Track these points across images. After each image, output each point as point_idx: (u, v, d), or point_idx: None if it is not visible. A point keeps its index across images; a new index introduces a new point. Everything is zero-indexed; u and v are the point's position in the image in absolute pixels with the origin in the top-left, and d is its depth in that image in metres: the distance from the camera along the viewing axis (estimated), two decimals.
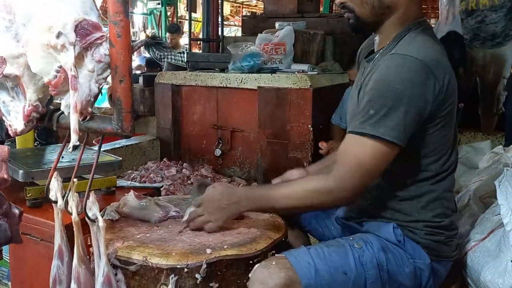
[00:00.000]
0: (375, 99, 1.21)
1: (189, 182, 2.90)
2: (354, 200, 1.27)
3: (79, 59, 1.04)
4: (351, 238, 1.32)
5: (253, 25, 4.40)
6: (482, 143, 3.05)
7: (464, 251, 1.46)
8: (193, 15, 8.07)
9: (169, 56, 4.54)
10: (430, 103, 1.21)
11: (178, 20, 10.39)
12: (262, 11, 4.60)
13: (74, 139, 1.06)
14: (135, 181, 2.80)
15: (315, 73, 3.15)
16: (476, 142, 3.14)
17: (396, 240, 1.30)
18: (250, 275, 1.21)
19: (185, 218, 1.40)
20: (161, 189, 2.14)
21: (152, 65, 5.07)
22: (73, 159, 1.72)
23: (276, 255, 1.26)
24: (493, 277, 1.32)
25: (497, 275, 1.31)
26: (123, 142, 3.26)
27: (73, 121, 1.06)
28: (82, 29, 1.02)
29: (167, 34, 5.65)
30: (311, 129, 2.87)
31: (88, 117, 1.10)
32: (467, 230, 1.58)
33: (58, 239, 1.28)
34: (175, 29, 6.06)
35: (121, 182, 1.93)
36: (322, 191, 1.25)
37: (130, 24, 1.09)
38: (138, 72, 5.08)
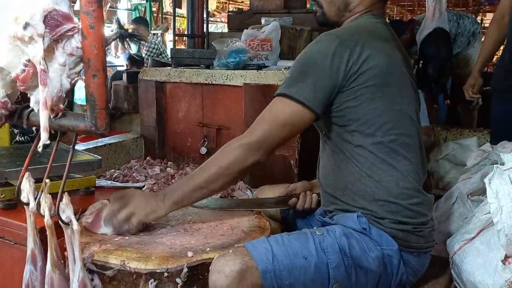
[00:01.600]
0: (293, 67, 1.33)
1: (173, 181, 2.83)
2: (262, 156, 1.31)
3: (49, 52, 0.98)
4: (314, 228, 1.32)
5: (239, 21, 4.34)
6: (468, 140, 3.04)
7: (452, 251, 1.42)
8: (179, 11, 7.99)
9: (150, 45, 4.46)
10: (343, 74, 1.27)
11: (164, 16, 10.27)
12: (248, 7, 4.54)
13: (44, 137, 1.00)
14: (117, 181, 2.72)
15: None
16: (462, 139, 3.13)
17: (361, 228, 1.29)
18: (210, 267, 1.17)
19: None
20: (144, 188, 2.08)
21: (135, 61, 4.99)
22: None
23: (235, 245, 1.24)
24: (483, 278, 1.28)
25: (487, 275, 1.28)
26: (105, 140, 3.18)
27: (43, 119, 1.00)
28: (52, 20, 0.96)
29: (131, 25, 5.58)
30: None
31: (60, 114, 1.04)
32: (455, 229, 1.55)
33: (31, 243, 1.23)
34: (140, 20, 5.93)
35: (101, 182, 1.87)
36: (233, 146, 1.31)
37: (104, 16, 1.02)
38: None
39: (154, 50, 5.42)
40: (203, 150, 3.15)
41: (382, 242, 1.29)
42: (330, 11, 1.45)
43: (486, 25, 9.33)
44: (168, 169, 3.04)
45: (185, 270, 1.16)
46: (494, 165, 1.36)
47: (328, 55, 1.27)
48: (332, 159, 1.39)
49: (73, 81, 1.02)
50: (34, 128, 2.93)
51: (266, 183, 1.70)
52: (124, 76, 3.69)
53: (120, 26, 1.03)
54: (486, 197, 1.51)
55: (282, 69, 3.05)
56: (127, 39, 1.05)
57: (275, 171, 2.93)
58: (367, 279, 1.27)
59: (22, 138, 2.97)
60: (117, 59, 7.58)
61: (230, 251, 1.18)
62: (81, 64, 1.01)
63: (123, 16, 9.81)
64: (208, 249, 1.24)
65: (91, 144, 3.08)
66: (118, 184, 1.91)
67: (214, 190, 1.34)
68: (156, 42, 5.68)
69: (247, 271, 1.13)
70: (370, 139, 1.29)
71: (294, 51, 3.52)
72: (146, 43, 5.17)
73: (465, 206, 1.61)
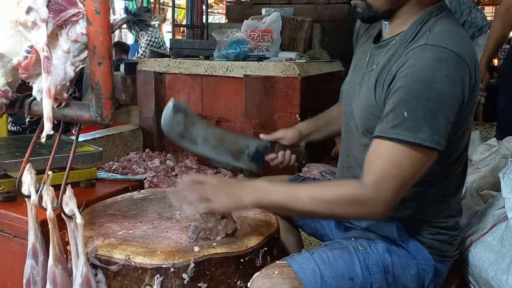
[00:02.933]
0: (410, 100, 1.05)
1: (173, 173, 2.80)
2: (384, 215, 1.10)
3: (52, 38, 0.94)
4: (353, 239, 1.24)
5: (239, 12, 4.29)
6: (471, 133, 3.01)
7: (464, 247, 1.40)
8: (177, 1, 7.89)
9: (145, 40, 4.37)
10: (465, 100, 1.08)
11: (161, 6, 10.17)
12: None
13: (47, 127, 0.96)
14: (116, 173, 2.68)
15: (303, 61, 3.07)
16: None
17: (400, 241, 1.22)
18: (249, 284, 1.11)
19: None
20: (145, 181, 2.04)
21: (123, 49, 4.89)
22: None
23: (277, 262, 1.16)
24: (496, 274, 1.26)
25: (500, 271, 1.25)
26: (104, 132, 3.14)
27: (47, 108, 0.95)
28: (56, 4, 0.92)
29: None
30: (299, 119, 2.79)
31: (63, 104, 1.00)
32: (465, 224, 1.53)
33: (32, 236, 1.19)
34: (143, 9, 5.81)
35: (101, 174, 1.82)
36: (354, 201, 1.10)
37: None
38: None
39: (155, 44, 5.34)
40: None
41: (419, 256, 1.22)
42: (378, 1, 1.17)
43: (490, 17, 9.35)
44: (167, 161, 3.01)
45: (192, 265, 1.13)
46: (509, 159, 1.33)
47: (454, 81, 1.05)
48: None
49: (77, 69, 0.98)
50: (26, 120, 2.91)
51: (266, 174, 1.66)
52: (122, 66, 3.64)
53: (128, 12, 0.99)
54: (497, 191, 1.49)
55: (283, 61, 3.02)
56: (135, 25, 1.00)
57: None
58: None
59: (14, 128, 2.92)
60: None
61: (276, 272, 1.09)
62: (86, 51, 0.96)
63: (120, 7, 9.72)
64: (215, 244, 1.20)
65: (89, 135, 3.04)
66: (118, 176, 1.87)
67: (305, 216, 1.29)
68: (157, 35, 5.60)
69: None
70: (444, 165, 1.18)
71: (295, 42, 3.47)
72: (147, 34, 5.09)
73: (475, 201, 1.58)
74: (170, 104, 1.37)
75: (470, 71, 1.08)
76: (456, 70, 1.05)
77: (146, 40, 5.37)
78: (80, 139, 2.62)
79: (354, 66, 1.38)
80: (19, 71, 0.97)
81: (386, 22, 1.25)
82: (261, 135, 1.52)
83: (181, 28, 6.70)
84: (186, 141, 1.35)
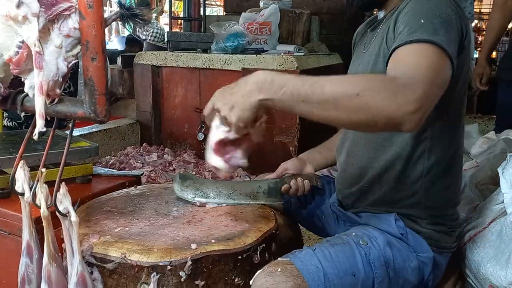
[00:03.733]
0: (425, 10, 1.06)
1: (171, 168, 2.78)
2: (415, 122, 0.91)
3: (44, 33, 0.91)
4: (353, 234, 1.23)
5: (236, 4, 4.26)
6: (469, 126, 2.99)
7: (462, 241, 1.39)
8: None
9: (150, 33, 4.30)
10: (461, 44, 1.08)
11: None
12: None
13: (40, 124, 0.94)
14: (113, 168, 2.67)
15: (302, 54, 3.04)
16: None
17: (399, 234, 1.22)
18: (251, 282, 1.10)
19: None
20: (142, 176, 2.02)
21: (132, 43, 4.82)
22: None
23: (279, 259, 1.15)
24: (494, 269, 1.25)
25: (499, 267, 1.24)
26: (100, 126, 3.11)
27: (39, 104, 0.93)
28: None
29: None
30: None
31: (56, 100, 0.98)
32: (464, 219, 1.52)
33: (26, 234, 1.17)
34: (142, 1, 5.72)
35: (98, 170, 1.81)
36: (391, 82, 0.93)
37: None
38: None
39: (160, 36, 5.23)
40: (201, 136, 3.10)
41: (418, 248, 1.22)
42: None
43: (483, 10, 9.31)
44: (165, 155, 2.99)
45: (189, 263, 1.11)
46: (508, 154, 1.32)
47: (457, 18, 1.07)
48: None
49: (70, 65, 0.96)
50: (22, 115, 2.89)
51: (265, 170, 1.65)
52: (119, 59, 3.61)
53: (122, 5, 0.96)
54: (496, 185, 1.48)
55: (282, 54, 2.99)
56: (129, 20, 0.98)
57: (274, 158, 2.88)
58: None
59: (10, 123, 2.90)
60: (111, 42, 7.44)
61: (279, 269, 1.08)
62: (79, 46, 0.94)
63: None
64: (213, 240, 1.19)
65: (85, 130, 3.01)
66: (115, 171, 1.85)
67: (324, 116, 0.94)
68: (160, 27, 5.51)
69: None
70: (445, 149, 1.19)
71: (294, 35, 3.45)
72: (149, 26, 4.98)
73: (473, 195, 1.57)
74: (177, 176, 1.49)
75: (462, 20, 1.10)
76: (454, 11, 1.08)
77: (152, 32, 5.27)
78: (77, 133, 2.60)
79: (354, 59, 1.42)
80: (10, 67, 0.95)
81: (381, 14, 1.29)
82: (267, 176, 1.53)
83: (179, 21, 6.65)
84: (200, 198, 1.43)
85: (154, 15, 7.28)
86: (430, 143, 1.19)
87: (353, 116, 0.91)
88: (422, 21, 1.03)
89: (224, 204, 1.41)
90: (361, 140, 1.29)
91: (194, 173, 2.77)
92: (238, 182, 1.61)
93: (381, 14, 1.32)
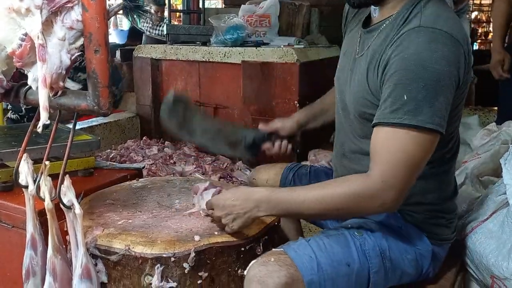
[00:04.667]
0: (408, 82, 1.03)
1: (171, 161, 2.79)
2: (398, 205, 1.09)
3: (47, 25, 0.92)
4: (349, 226, 1.23)
5: None
6: (470, 118, 3.01)
7: (464, 233, 1.40)
8: None
9: (153, 27, 4.24)
10: (461, 80, 1.08)
11: None
12: None
13: (44, 117, 0.94)
14: (114, 161, 2.67)
15: (302, 46, 3.04)
16: (463, 117, 3.09)
17: (396, 226, 1.22)
18: (245, 272, 1.11)
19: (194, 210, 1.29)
20: (143, 169, 2.02)
21: (135, 36, 4.74)
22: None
23: (273, 249, 1.16)
24: (496, 260, 1.26)
25: (501, 258, 1.25)
26: (100, 120, 3.11)
27: (43, 97, 0.93)
28: None
29: (154, 7, 5.29)
30: (298, 105, 2.77)
31: (59, 93, 0.98)
32: (465, 210, 1.52)
33: (31, 227, 1.18)
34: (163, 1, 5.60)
35: (100, 163, 1.81)
36: (362, 195, 1.07)
37: None
38: None
39: (163, 29, 5.12)
40: None
41: (416, 241, 1.22)
42: None
43: (483, 2, 9.27)
44: (165, 149, 2.99)
45: (192, 254, 1.12)
46: (510, 145, 1.32)
47: (451, 62, 1.04)
48: None
49: (73, 57, 0.96)
50: (23, 108, 2.89)
51: (264, 162, 1.64)
52: (118, 53, 3.60)
53: (133, 1, 0.96)
54: (498, 177, 1.49)
55: (282, 46, 2.99)
56: (131, 12, 0.98)
57: None
58: (400, 280, 1.22)
59: (14, 116, 2.91)
60: (110, 35, 7.40)
61: (272, 259, 1.09)
62: (82, 39, 0.94)
63: None
64: (216, 232, 1.19)
65: (85, 123, 3.01)
66: (117, 165, 1.85)
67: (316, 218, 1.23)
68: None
69: (293, 285, 1.06)
70: (441, 147, 1.16)
71: (293, 28, 3.44)
72: (152, 20, 4.87)
73: (475, 187, 1.57)
74: (170, 95, 1.36)
75: (464, 52, 1.07)
76: (452, 51, 1.05)
77: (154, 25, 5.17)
78: (77, 127, 2.60)
79: (344, 52, 1.35)
80: (14, 60, 0.95)
81: (376, 7, 1.23)
82: (260, 126, 1.51)
83: (177, 13, 6.62)
84: (184, 132, 1.34)
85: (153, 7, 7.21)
86: None
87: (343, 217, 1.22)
88: (405, 97, 1.03)
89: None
90: (348, 147, 1.30)
91: (194, 166, 2.77)
92: (228, 125, 1.54)
93: (375, 11, 1.24)
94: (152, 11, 3.44)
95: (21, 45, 0.92)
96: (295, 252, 1.12)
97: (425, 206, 1.24)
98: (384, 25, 1.18)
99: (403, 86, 1.03)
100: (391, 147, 1.06)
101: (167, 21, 3.58)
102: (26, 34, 0.91)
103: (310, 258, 1.11)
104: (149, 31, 4.13)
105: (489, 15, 7.99)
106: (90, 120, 3.08)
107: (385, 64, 1.09)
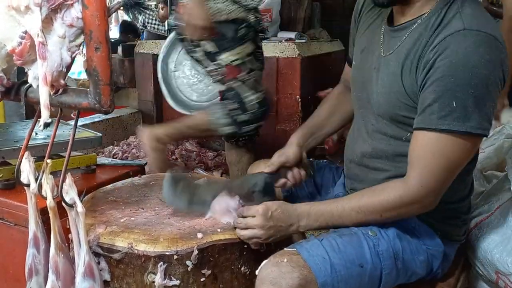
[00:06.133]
0: (457, 89, 1.02)
1: (173, 157, 2.78)
2: (436, 204, 1.12)
3: (47, 23, 0.91)
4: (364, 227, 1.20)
5: None
6: None
7: (469, 228, 1.39)
8: None
9: (153, 23, 4.20)
10: (504, 82, 1.08)
11: None
12: None
13: (45, 115, 0.93)
14: (116, 157, 2.67)
15: (303, 41, 3.02)
16: None
17: (410, 226, 1.20)
18: (257, 272, 1.10)
19: (209, 215, 1.27)
20: (145, 166, 2.02)
21: (127, 29, 4.68)
22: (48, 136, 1.58)
23: (285, 249, 1.15)
24: (501, 256, 1.25)
25: (506, 253, 1.25)
26: (102, 116, 3.10)
27: (43, 95, 0.93)
28: None
29: (161, 5, 5.21)
30: (300, 100, 2.77)
31: (60, 90, 0.97)
32: None
33: (33, 225, 1.17)
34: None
35: (101, 160, 1.81)
36: (402, 202, 1.11)
37: None
38: None
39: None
40: None
41: (428, 241, 1.21)
42: None
43: None
44: (167, 144, 2.98)
45: (195, 252, 1.12)
46: None
47: (497, 66, 1.04)
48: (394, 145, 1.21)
49: (73, 54, 0.95)
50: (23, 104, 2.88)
51: (266, 157, 1.62)
52: (119, 49, 3.58)
53: None
54: (502, 172, 1.48)
55: (283, 41, 2.97)
56: (132, 8, 0.97)
57: (276, 145, 2.88)
58: (409, 280, 1.22)
59: None
60: (110, 31, 7.38)
61: (285, 259, 1.08)
62: (82, 36, 0.93)
63: None
64: (219, 230, 1.19)
65: (87, 119, 3.01)
66: (119, 161, 1.85)
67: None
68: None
69: (306, 287, 1.05)
70: None
71: (295, 22, 3.42)
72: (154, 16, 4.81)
73: (479, 181, 1.56)
74: (167, 178, 1.32)
75: (505, 52, 1.07)
76: (496, 54, 1.04)
77: (157, 21, 5.10)
78: (79, 123, 2.60)
79: (361, 49, 1.30)
80: (14, 58, 0.94)
81: (404, 6, 1.17)
82: (265, 170, 1.43)
83: None
84: (197, 206, 1.31)
85: (153, 3, 7.19)
86: None
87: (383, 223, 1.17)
88: (454, 104, 1.02)
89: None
90: (369, 147, 1.27)
91: (196, 162, 2.77)
92: (234, 181, 1.53)
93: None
94: (160, 8, 3.41)
95: (21, 43, 0.91)
96: (308, 253, 1.10)
97: (443, 205, 1.19)
98: (416, 24, 1.14)
99: (452, 92, 1.03)
100: (436, 152, 1.06)
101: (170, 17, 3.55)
102: (26, 32, 0.90)
103: (324, 259, 1.09)
104: (155, 28, 4.10)
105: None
106: (92, 116, 3.07)
107: (429, 68, 1.06)
